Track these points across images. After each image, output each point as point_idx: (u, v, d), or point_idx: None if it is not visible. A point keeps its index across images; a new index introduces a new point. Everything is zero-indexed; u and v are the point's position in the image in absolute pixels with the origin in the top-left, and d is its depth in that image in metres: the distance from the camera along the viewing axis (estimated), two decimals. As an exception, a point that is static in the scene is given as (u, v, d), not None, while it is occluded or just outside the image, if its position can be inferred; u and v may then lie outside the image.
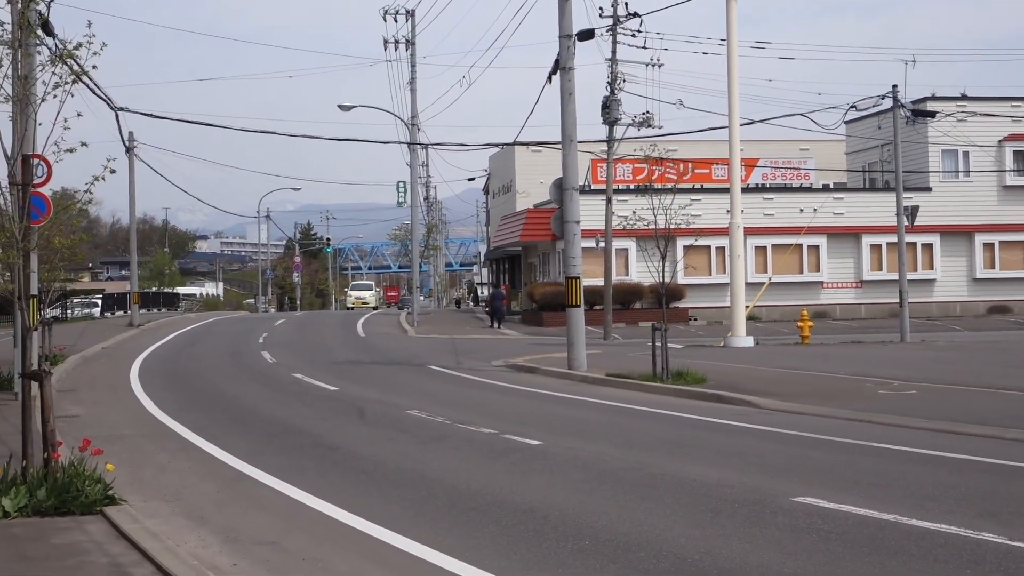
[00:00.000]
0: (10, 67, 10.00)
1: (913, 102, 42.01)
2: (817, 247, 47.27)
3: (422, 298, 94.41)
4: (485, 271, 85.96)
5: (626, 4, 38.03)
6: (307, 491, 10.22)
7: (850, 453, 12.15)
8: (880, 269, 47.43)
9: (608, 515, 8.93)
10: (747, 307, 33.71)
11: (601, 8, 38.59)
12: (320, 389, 20.90)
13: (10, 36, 10.02)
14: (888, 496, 9.49)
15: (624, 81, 37.87)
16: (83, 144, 10.39)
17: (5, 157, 9.93)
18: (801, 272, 47.17)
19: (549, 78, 25.61)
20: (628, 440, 13.53)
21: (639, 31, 38.56)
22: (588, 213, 33.64)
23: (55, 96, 9.89)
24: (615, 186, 41.26)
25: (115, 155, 12.41)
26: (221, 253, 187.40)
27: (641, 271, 41.64)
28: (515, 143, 43.16)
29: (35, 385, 10.02)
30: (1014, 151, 48.75)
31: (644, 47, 38.35)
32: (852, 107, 37.07)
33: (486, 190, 72.62)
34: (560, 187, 24.81)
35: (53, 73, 9.92)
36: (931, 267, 48.24)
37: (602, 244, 39.50)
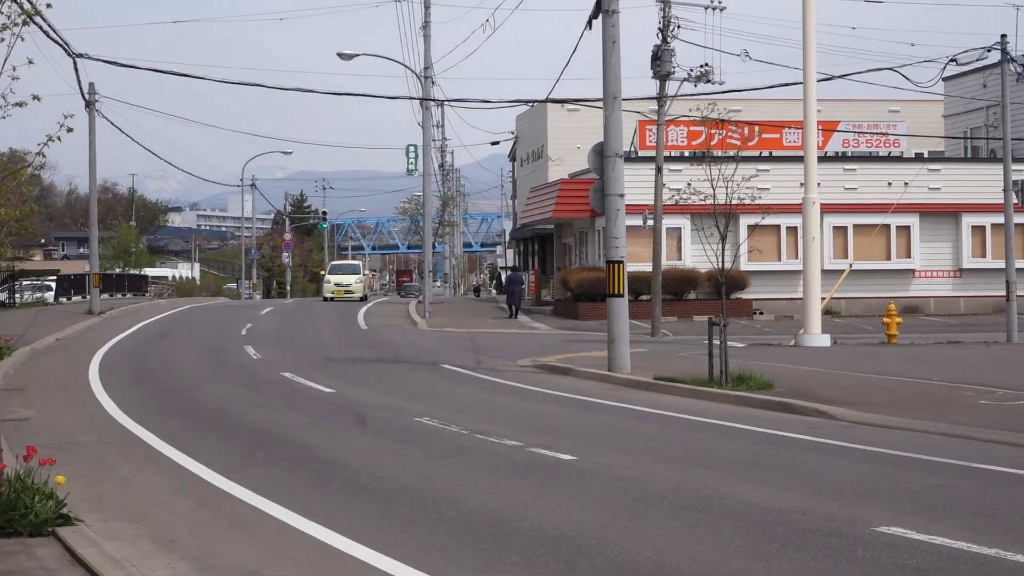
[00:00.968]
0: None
1: (1026, 55, 41.68)
2: (908, 228, 47.02)
3: (438, 284, 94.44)
4: (510, 253, 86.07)
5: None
6: (296, 512, 10.25)
7: (944, 475, 12.09)
8: (983, 255, 47.13)
9: (654, 545, 8.92)
10: (823, 299, 33.58)
11: (652, -61, 38.50)
12: (313, 391, 20.94)
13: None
14: (990, 527, 9.44)
15: (679, 27, 37.74)
16: (35, 98, 10.42)
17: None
18: (888, 258, 46.95)
19: (589, 23, 25.53)
20: (678, 456, 13.51)
21: (697, -34, 38.42)
22: (634, 185, 33.56)
23: (1, 40, 9.93)
24: (667, 153, 41.13)
25: (73, 110, 12.45)
26: (197, 228, 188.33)
27: (696, 255, 41.54)
28: (548, 100, 43.02)
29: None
30: None
31: (703, -14, 38.22)
32: (952, 61, 36.78)
33: (512, 156, 72.62)
34: (601, 153, 24.75)
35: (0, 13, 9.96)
36: (1046, 253, 47.91)
37: (651, 222, 39.41)
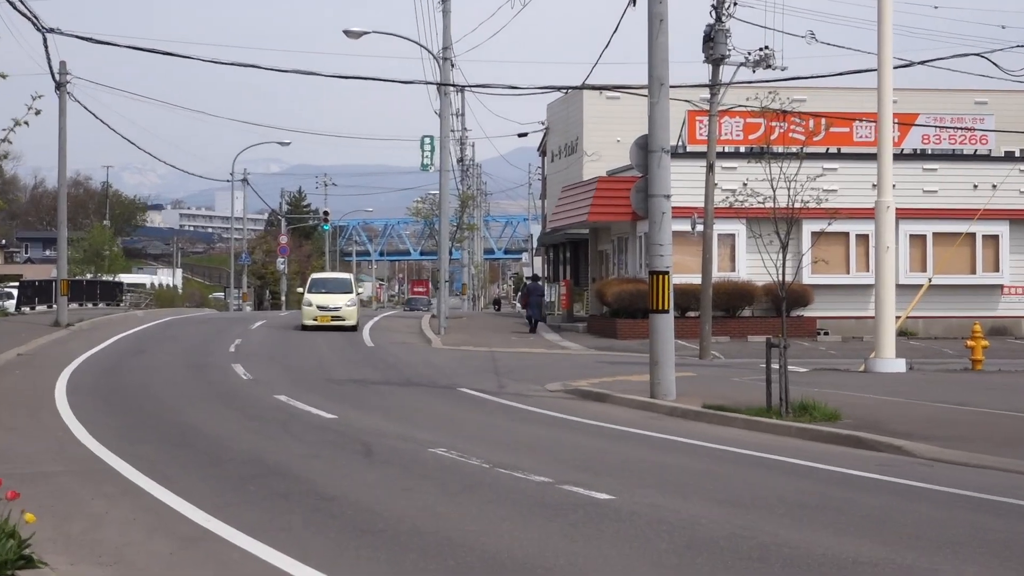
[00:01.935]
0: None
1: None
2: (996, 238, 46.87)
3: (455, 296, 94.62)
4: (538, 261, 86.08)
5: None
6: (292, 556, 10.25)
7: (1039, 523, 12.05)
8: (1084, 270, 46.98)
9: (703, 599, 8.89)
10: (898, 318, 33.49)
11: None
12: (312, 417, 20.97)
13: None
14: (1092, 584, 9.39)
15: (735, 5, 37.73)
16: (0, 75, 10.46)
17: None
18: (973, 272, 46.80)
19: (632, -1, 25.57)
20: (731, 497, 13.47)
21: (757, -64, 38.49)
22: (682, 184, 33.56)
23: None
24: (719, 148, 41.12)
25: (42, 91, 12.51)
26: (181, 229, 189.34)
27: (753, 265, 41.39)
28: (584, 86, 43.09)
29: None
30: None
31: (763, -42, 38.27)
32: (1050, 45, 36.71)
33: (542, 150, 72.67)
34: (644, 148, 24.73)
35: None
36: None
37: (700, 227, 39.37)
